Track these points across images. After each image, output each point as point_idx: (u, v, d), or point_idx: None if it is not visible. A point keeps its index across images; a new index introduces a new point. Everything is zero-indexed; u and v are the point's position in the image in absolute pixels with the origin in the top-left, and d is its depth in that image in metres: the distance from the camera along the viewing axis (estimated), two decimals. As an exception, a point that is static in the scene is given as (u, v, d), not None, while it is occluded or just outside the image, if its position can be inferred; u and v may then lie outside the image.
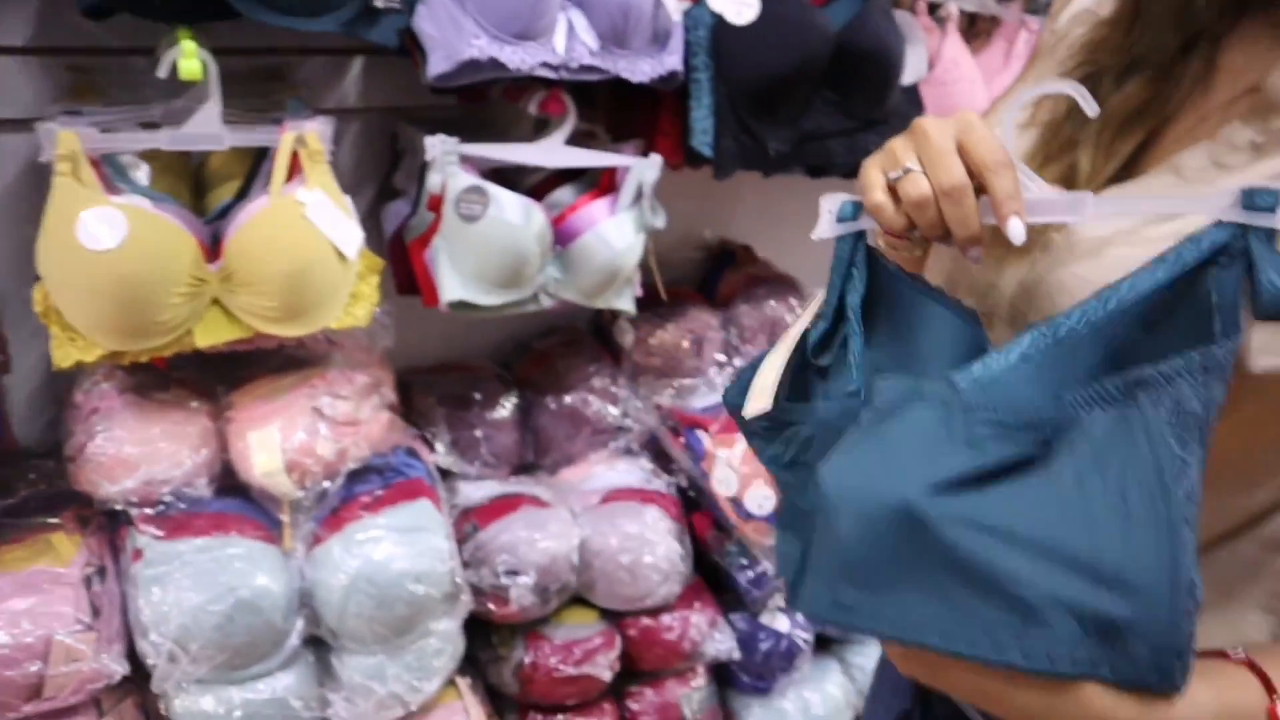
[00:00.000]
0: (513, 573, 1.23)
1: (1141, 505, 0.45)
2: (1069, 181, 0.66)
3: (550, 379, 1.46)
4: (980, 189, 0.55)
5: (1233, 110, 0.61)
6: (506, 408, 1.41)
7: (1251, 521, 0.63)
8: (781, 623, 1.49)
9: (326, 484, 1.12)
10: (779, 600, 1.49)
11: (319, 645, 1.15)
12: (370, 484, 1.16)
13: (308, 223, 0.99)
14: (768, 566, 1.43)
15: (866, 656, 1.60)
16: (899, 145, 0.58)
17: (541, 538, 1.26)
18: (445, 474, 1.36)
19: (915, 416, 0.50)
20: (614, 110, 1.40)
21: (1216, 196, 0.52)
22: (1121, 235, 0.61)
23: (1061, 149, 0.68)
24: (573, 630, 1.33)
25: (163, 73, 0.95)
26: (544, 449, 1.46)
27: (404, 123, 1.30)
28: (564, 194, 1.29)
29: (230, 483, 1.15)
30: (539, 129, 1.31)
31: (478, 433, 1.37)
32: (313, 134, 1.04)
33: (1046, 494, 0.46)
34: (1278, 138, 0.57)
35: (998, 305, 0.68)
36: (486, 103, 1.40)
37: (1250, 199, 0.50)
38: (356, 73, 1.34)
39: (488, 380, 1.43)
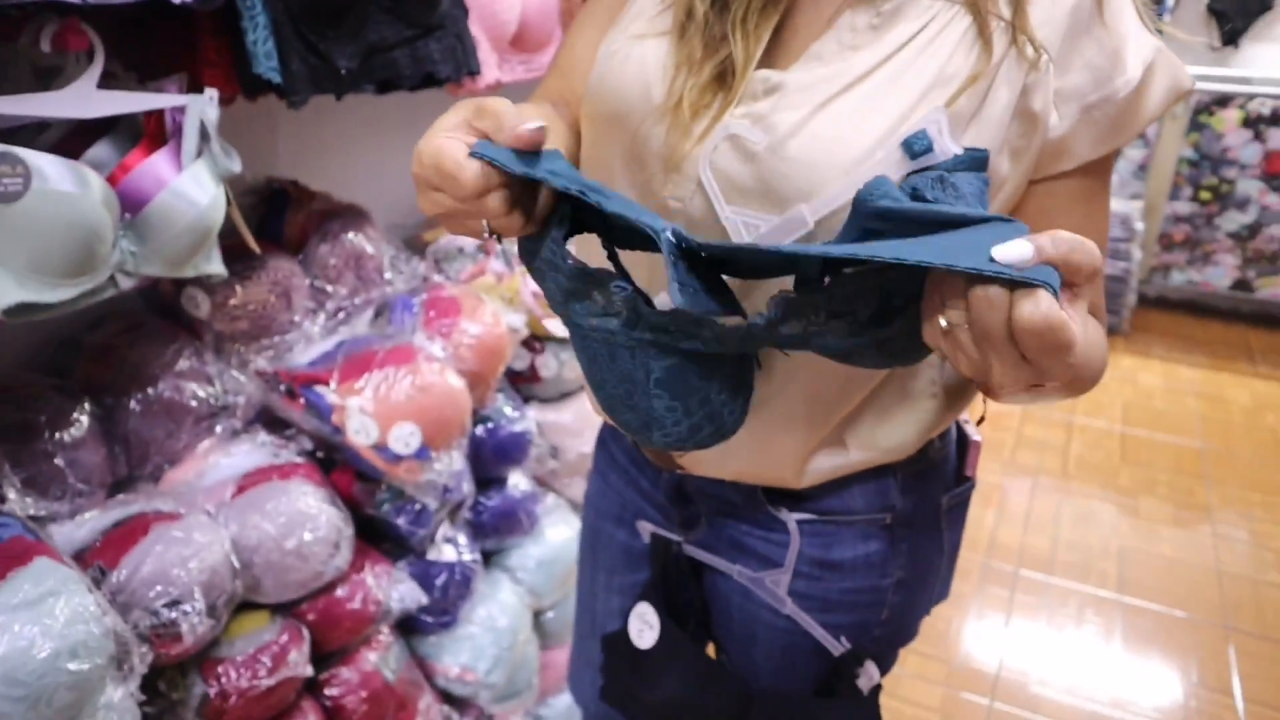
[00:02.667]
0: (174, 603, 1.04)
1: None
2: (728, 74, 0.72)
3: (125, 376, 1.22)
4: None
5: (843, 4, 0.71)
6: (83, 422, 1.16)
7: None
8: (449, 553, 1.47)
9: (-109, 584, 0.84)
10: (444, 531, 1.46)
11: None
12: (-46, 565, 0.89)
13: None
14: (426, 502, 1.39)
15: (525, 555, 1.65)
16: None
17: (191, 554, 1.08)
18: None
19: None
20: (119, 43, 1.16)
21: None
22: (814, 113, 0.69)
23: (715, 45, 0.73)
24: (251, 640, 1.17)
25: None
26: (140, 457, 1.23)
27: None
28: (101, 152, 1.05)
29: None
30: (41, 75, 1.05)
31: (58, 461, 1.11)
32: None
33: None
34: (888, 17, 0.69)
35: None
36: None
37: (909, 146, 0.64)
38: None
39: (44, 396, 1.15)
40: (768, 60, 0.73)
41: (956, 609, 2.42)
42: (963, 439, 0.96)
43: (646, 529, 1.01)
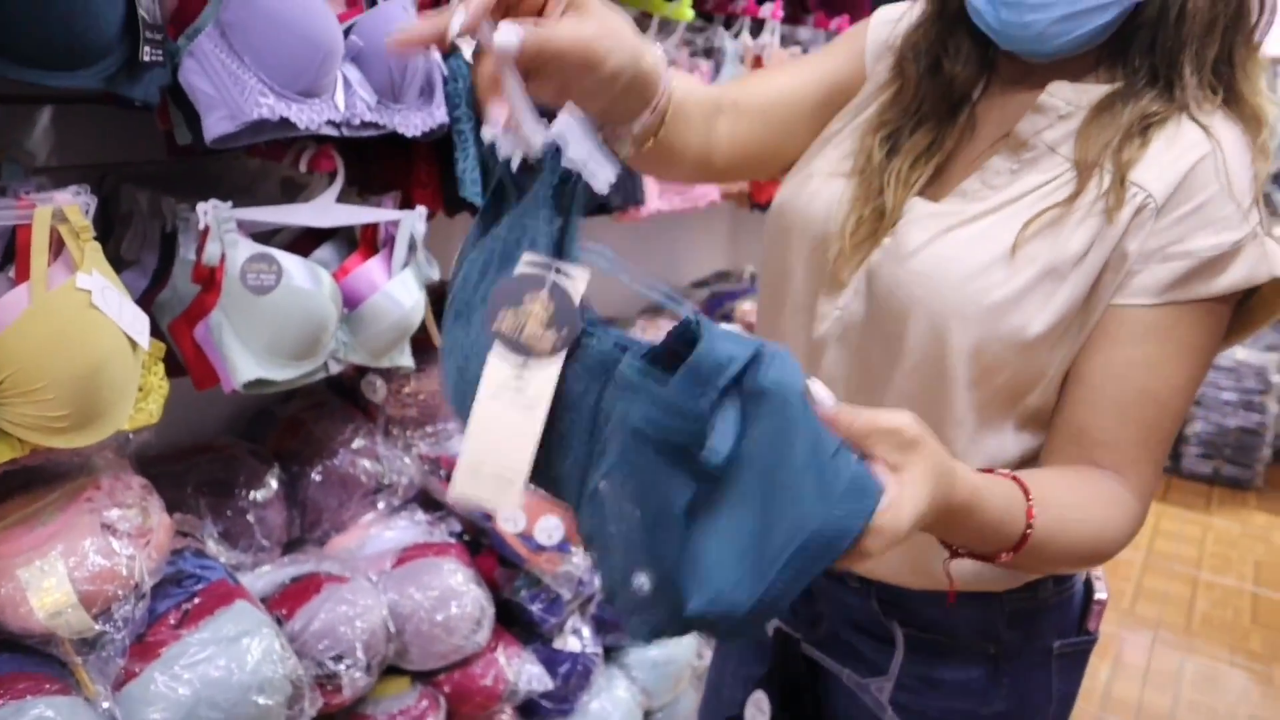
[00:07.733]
0: (339, 657, 1.15)
1: None
2: (882, 213, 0.85)
3: (310, 447, 1.37)
4: None
5: (993, 150, 0.83)
6: (272, 485, 1.30)
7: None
8: (573, 644, 1.54)
9: (123, 611, 0.97)
10: (574, 622, 1.54)
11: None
12: (172, 598, 1.02)
13: (97, 313, 0.86)
14: (560, 592, 1.48)
15: (642, 655, 1.71)
16: None
17: (355, 614, 1.19)
18: (224, 571, 1.22)
19: None
20: (347, 162, 1.35)
21: None
22: (937, 236, 0.81)
23: (877, 191, 0.87)
24: (394, 702, 1.27)
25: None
26: (313, 521, 1.37)
27: (126, 184, 1.15)
28: (324, 254, 1.22)
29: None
30: (287, 188, 1.23)
31: (249, 517, 1.25)
32: (73, 208, 0.89)
33: None
34: (1027, 164, 0.81)
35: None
36: (197, 156, 1.28)
37: None
38: (45, 124, 1.15)
39: (243, 459, 1.31)
40: (932, 192, 0.85)
41: (1067, 763, 2.32)
42: (1089, 592, 0.98)
43: (771, 623, 1.07)
